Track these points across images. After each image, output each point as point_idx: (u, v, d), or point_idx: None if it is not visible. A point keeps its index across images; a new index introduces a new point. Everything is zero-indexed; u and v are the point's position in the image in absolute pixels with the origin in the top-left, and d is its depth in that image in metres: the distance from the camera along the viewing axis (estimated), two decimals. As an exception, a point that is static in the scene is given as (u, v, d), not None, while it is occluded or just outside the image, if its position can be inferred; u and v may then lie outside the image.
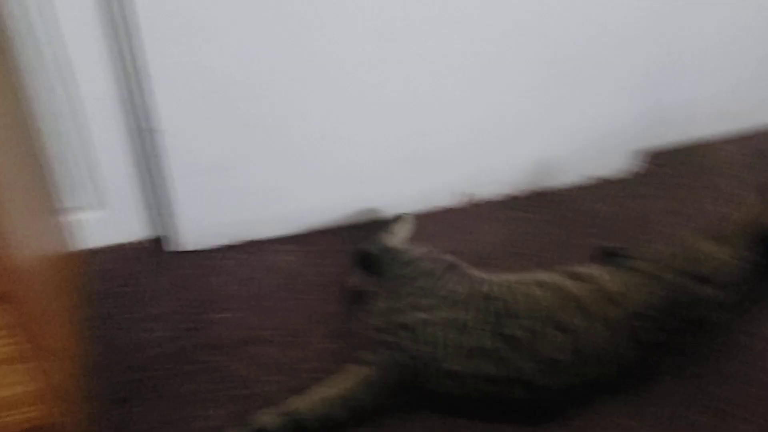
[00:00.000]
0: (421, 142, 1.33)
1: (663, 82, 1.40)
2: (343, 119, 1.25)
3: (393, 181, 1.36)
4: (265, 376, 1.12)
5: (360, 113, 1.25)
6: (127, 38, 1.08)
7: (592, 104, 1.37)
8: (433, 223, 1.40)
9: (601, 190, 1.47)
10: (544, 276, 1.08)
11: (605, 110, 1.39)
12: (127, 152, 1.22)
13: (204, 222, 1.29)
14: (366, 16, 1.13)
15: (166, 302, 1.23)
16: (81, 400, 1.02)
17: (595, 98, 1.36)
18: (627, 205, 1.44)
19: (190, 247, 1.31)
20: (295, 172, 1.29)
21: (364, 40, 1.16)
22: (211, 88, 1.14)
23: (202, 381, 1.11)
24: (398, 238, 1.29)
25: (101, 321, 1.20)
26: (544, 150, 1.41)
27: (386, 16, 1.14)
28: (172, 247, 1.32)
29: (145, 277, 1.28)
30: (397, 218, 1.33)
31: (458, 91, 1.28)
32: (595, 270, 1.09)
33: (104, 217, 1.28)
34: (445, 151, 1.35)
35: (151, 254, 1.32)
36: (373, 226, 1.37)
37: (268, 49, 1.13)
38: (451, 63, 1.24)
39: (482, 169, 1.40)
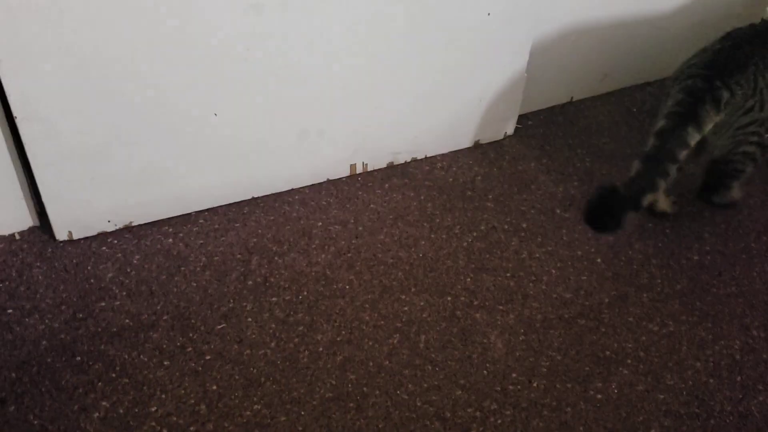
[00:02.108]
0: (308, 118, 1.33)
1: (533, 49, 1.44)
2: (227, 97, 1.23)
3: (281, 157, 1.36)
4: (154, 361, 1.11)
5: (245, 91, 1.24)
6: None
7: (467, 73, 1.40)
8: (326, 195, 1.41)
9: (479, 154, 1.52)
10: None
11: (477, 77, 1.42)
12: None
13: (81, 209, 1.25)
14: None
15: (48, 294, 1.20)
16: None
17: (469, 67, 1.39)
18: (503, 167, 1.49)
19: (68, 237, 1.28)
20: (173, 153, 1.26)
21: (240, 15, 1.14)
22: (73, 68, 1.10)
23: (90, 372, 1.09)
24: None
25: (-23, 319, 1.15)
26: (424, 120, 1.44)
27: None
28: (51, 238, 1.28)
29: (25, 270, 1.23)
30: None
31: (341, 66, 1.28)
32: None
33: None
34: (332, 125, 1.36)
35: (30, 246, 1.27)
36: (255, 204, 1.37)
37: (137, 25, 1.09)
38: (332, 38, 1.23)
39: (368, 141, 1.42)
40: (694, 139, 1.17)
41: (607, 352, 1.18)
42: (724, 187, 1.38)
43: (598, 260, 1.32)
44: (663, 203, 1.37)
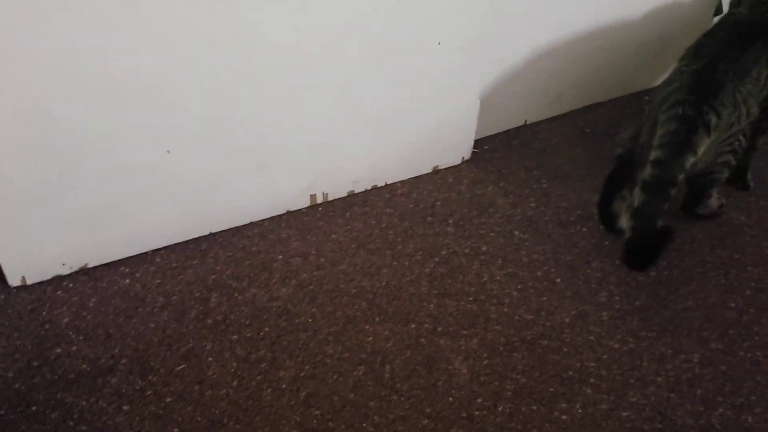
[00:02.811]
0: (264, 151, 1.32)
1: (486, 75, 1.47)
2: (179, 134, 1.22)
3: (238, 190, 1.35)
4: (113, 406, 1.09)
5: (197, 126, 1.23)
6: None
7: (422, 101, 1.41)
8: (286, 227, 1.40)
9: (438, 179, 1.53)
10: None
11: (432, 104, 1.44)
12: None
13: (34, 254, 1.23)
14: (196, 29, 1.11)
15: (1, 343, 1.17)
16: None
17: (424, 95, 1.41)
18: (462, 191, 1.50)
19: (21, 282, 1.25)
20: (126, 193, 1.25)
21: (196, 50, 1.13)
22: (19, 116, 1.08)
23: (47, 422, 1.07)
24: None
25: (-72, 373, 1.12)
26: (382, 148, 1.45)
27: (214, 29, 1.13)
28: (4, 284, 1.25)
29: (-25, 319, 1.21)
30: None
31: (296, 98, 1.28)
32: None
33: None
34: (290, 156, 1.36)
35: (-19, 293, 1.25)
36: (213, 239, 1.36)
37: (83, 70, 1.08)
38: (286, 71, 1.24)
39: (327, 171, 1.42)
40: (690, 163, 1.22)
41: (570, 372, 1.19)
42: (706, 197, 1.41)
43: (558, 280, 1.33)
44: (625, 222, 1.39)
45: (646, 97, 1.74)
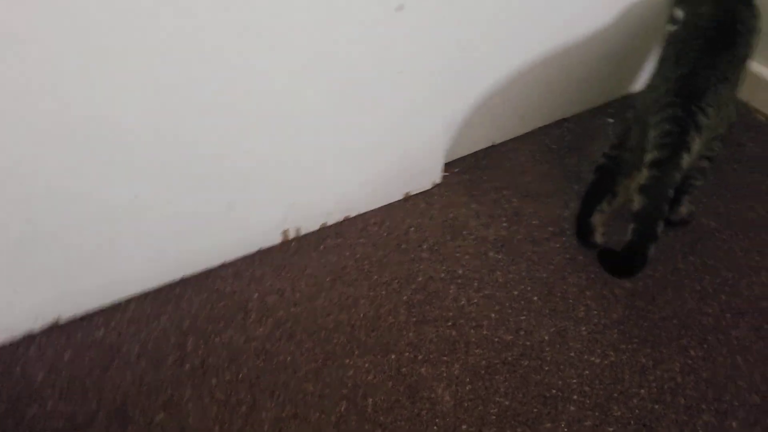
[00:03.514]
0: (232, 190, 1.31)
1: (452, 100, 1.47)
2: (146, 180, 1.21)
3: (209, 232, 1.34)
4: (94, 463, 1.07)
5: (163, 171, 1.22)
6: None
7: (388, 130, 1.42)
8: (259, 265, 1.40)
9: (410, 206, 1.53)
10: None
11: (401, 134, 1.44)
12: None
13: (3, 312, 1.21)
14: (157, 71, 1.11)
15: (-25, 405, 1.15)
16: None
17: (389, 124, 1.41)
18: (434, 216, 1.50)
19: (-6, 341, 1.23)
20: (95, 242, 1.24)
21: (155, 94, 1.13)
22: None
23: (24, 484, 1.04)
24: None
25: None
26: (353, 178, 1.45)
27: (176, 71, 1.12)
28: (-26, 344, 1.23)
29: (-53, 383, 1.18)
30: None
31: (261, 136, 1.27)
32: None
33: None
34: (259, 194, 1.35)
35: (-48, 355, 1.23)
36: (187, 283, 1.35)
37: (41, 123, 1.07)
38: (248, 110, 1.23)
39: (298, 205, 1.42)
40: (686, 162, 1.22)
41: (553, 391, 1.18)
42: (678, 204, 1.42)
43: (535, 298, 1.33)
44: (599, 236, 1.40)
45: (617, 113, 1.75)
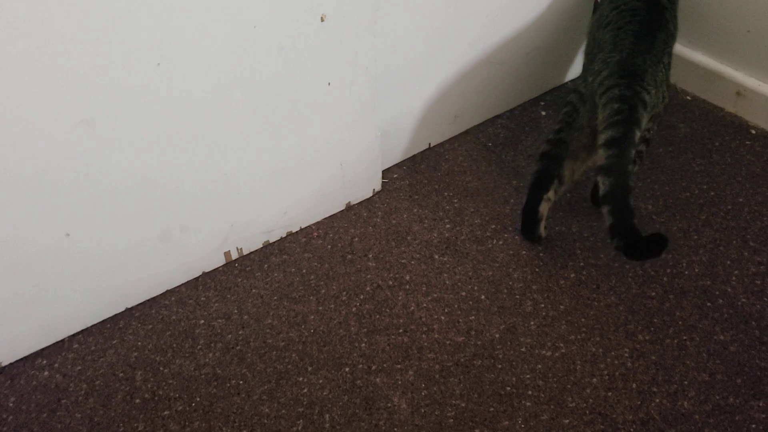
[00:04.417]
0: (166, 218, 1.29)
1: (384, 106, 1.47)
2: (76, 215, 1.18)
3: (148, 261, 1.31)
4: None
5: (93, 205, 1.19)
6: None
7: (322, 141, 1.41)
8: (203, 289, 1.37)
9: (352, 215, 1.52)
10: None
11: (335, 145, 1.43)
12: None
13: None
14: (72, 109, 1.08)
15: None
16: None
17: (322, 136, 1.40)
18: (377, 223, 1.50)
19: (-70, 395, 1.18)
20: (30, 284, 1.20)
21: (76, 129, 1.10)
22: None
23: None
24: None
25: None
26: (291, 193, 1.43)
27: (92, 106, 1.09)
28: None
29: None
30: None
31: (189, 161, 1.25)
32: None
33: None
34: (195, 218, 1.33)
35: None
36: (131, 315, 1.32)
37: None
38: (173, 137, 1.21)
39: (238, 225, 1.40)
40: (638, 138, 1.24)
41: (508, 388, 1.19)
42: None
43: (483, 297, 1.34)
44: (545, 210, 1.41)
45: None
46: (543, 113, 1.76)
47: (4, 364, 1.25)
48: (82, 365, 1.25)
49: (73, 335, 1.30)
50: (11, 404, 1.19)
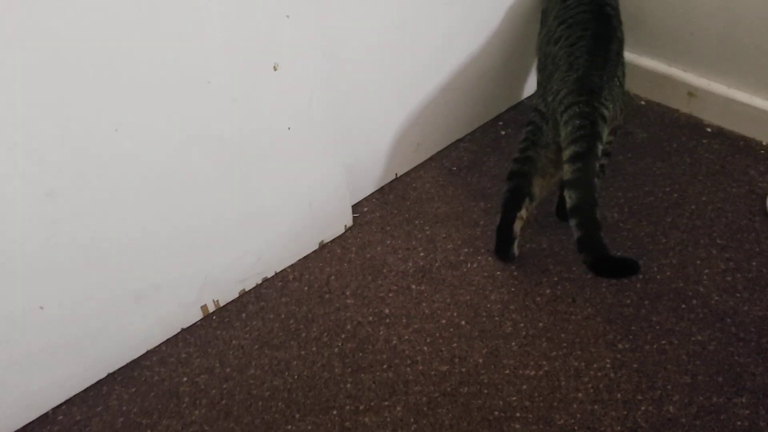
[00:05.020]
0: (137, 279, 1.28)
1: (347, 142, 1.48)
2: (48, 286, 1.17)
3: (124, 323, 1.30)
4: None
5: (63, 275, 1.18)
6: None
7: (287, 185, 1.42)
8: (184, 346, 1.37)
9: (326, 254, 1.53)
10: None
11: (301, 186, 1.44)
12: None
13: None
14: (29, 184, 1.08)
15: None
16: None
17: (287, 179, 1.41)
18: (352, 259, 1.51)
19: None
20: (6, 358, 1.19)
21: (40, 203, 1.10)
22: None
23: None
24: None
25: None
26: (261, 239, 1.44)
27: (53, 176, 1.09)
28: None
29: None
30: None
31: (154, 222, 1.25)
32: None
33: None
34: (167, 276, 1.32)
35: None
36: (113, 380, 1.31)
37: None
38: (134, 202, 1.21)
39: (211, 278, 1.39)
40: (600, 151, 1.26)
41: (496, 412, 1.20)
42: None
43: (463, 323, 1.35)
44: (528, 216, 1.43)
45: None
46: (503, 132, 1.79)
47: (-12, 445, 1.23)
48: (69, 437, 1.24)
49: (57, 407, 1.28)
50: (-1, 485, 1.17)
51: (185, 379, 1.31)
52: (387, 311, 1.39)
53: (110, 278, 1.24)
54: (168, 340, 1.38)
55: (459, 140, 1.78)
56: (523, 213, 1.39)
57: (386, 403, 1.23)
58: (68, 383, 1.29)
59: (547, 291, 1.39)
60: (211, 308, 1.42)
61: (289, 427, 1.21)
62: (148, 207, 1.23)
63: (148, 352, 1.36)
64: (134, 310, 1.30)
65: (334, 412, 1.23)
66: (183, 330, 1.40)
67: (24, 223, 1.09)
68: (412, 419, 1.20)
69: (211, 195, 1.30)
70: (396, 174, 1.69)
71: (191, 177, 1.26)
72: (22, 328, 1.17)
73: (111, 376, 1.33)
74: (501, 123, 1.82)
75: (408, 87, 1.59)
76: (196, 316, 1.41)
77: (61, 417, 1.27)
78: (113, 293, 1.26)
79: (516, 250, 1.44)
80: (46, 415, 1.27)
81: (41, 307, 1.18)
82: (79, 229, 1.16)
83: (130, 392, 1.29)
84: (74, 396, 1.30)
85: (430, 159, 1.73)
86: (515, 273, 1.43)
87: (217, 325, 1.40)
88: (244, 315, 1.42)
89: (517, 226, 1.40)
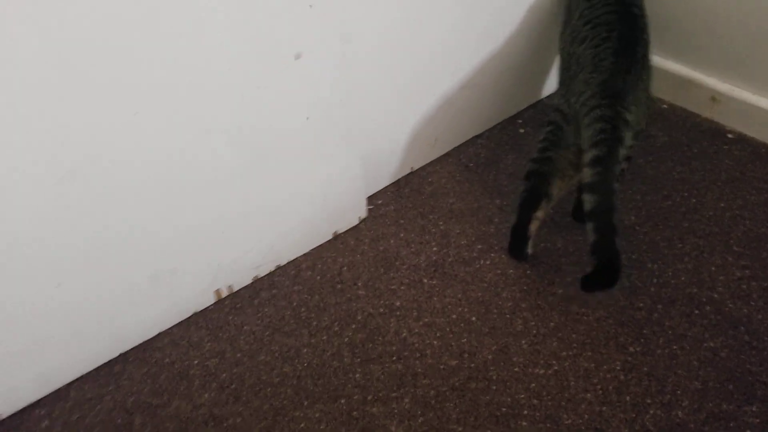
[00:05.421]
0: (153, 262, 1.30)
1: (364, 135, 1.49)
2: (65, 267, 1.19)
3: (139, 305, 1.32)
4: None
5: (81, 255, 1.20)
6: None
7: (305, 174, 1.42)
8: (196, 329, 1.38)
9: (339, 245, 1.53)
10: None
11: (317, 176, 1.45)
12: None
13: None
14: (53, 162, 1.09)
15: None
16: None
17: (304, 168, 1.41)
18: (365, 251, 1.51)
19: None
20: (21, 337, 1.20)
21: (59, 183, 1.11)
22: None
23: None
24: None
25: None
26: (277, 228, 1.44)
27: (72, 156, 1.11)
28: None
29: None
30: None
31: (178, 203, 1.26)
32: None
33: None
34: (183, 260, 1.33)
35: None
36: (125, 359, 1.32)
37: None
38: (151, 183, 1.22)
39: (226, 264, 1.40)
40: (623, 156, 1.26)
41: (504, 409, 1.20)
42: None
43: (473, 319, 1.35)
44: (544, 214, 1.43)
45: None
46: (521, 131, 1.79)
47: (4, 416, 1.25)
48: (80, 413, 1.25)
49: (70, 383, 1.30)
50: (10, 458, 1.19)
51: (196, 362, 1.32)
52: (398, 303, 1.40)
53: (127, 260, 1.25)
54: (180, 323, 1.39)
55: (477, 137, 1.78)
56: (540, 213, 1.39)
57: (394, 394, 1.24)
58: (82, 361, 1.30)
59: (560, 291, 1.39)
60: (225, 293, 1.43)
61: (298, 413, 1.22)
62: (166, 192, 1.24)
63: (160, 333, 1.38)
64: (149, 292, 1.32)
65: (342, 401, 1.23)
66: (195, 314, 1.41)
67: (44, 203, 1.11)
68: (419, 411, 1.21)
69: (229, 182, 1.31)
70: (412, 168, 1.69)
71: (209, 164, 1.26)
72: (39, 304, 1.19)
73: (123, 356, 1.34)
74: (520, 121, 1.81)
75: (428, 81, 1.59)
76: (209, 300, 1.42)
77: (73, 393, 1.29)
78: (130, 275, 1.27)
79: (530, 250, 1.44)
80: (59, 391, 1.29)
81: (58, 284, 1.20)
82: (98, 212, 1.17)
83: (141, 372, 1.31)
84: (87, 373, 1.31)
85: (447, 154, 1.73)
86: (528, 272, 1.43)
87: (230, 310, 1.41)
88: (256, 301, 1.43)
89: (533, 226, 1.40)
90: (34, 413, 1.26)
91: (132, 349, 1.35)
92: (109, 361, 1.33)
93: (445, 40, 1.55)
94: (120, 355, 1.34)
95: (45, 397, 1.28)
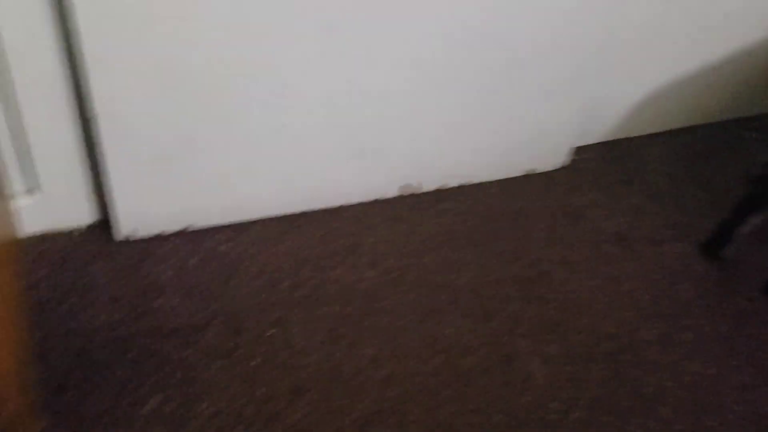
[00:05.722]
0: (363, 137, 1.36)
1: (591, 81, 1.46)
2: (292, 111, 1.28)
3: (336, 173, 1.40)
4: (205, 361, 1.15)
5: (307, 108, 1.28)
6: (62, 20, 1.08)
7: (524, 102, 1.43)
8: (375, 213, 1.44)
9: (531, 183, 1.54)
10: None
11: (536, 108, 1.45)
12: (66, 138, 1.23)
13: (144, 210, 1.30)
14: (311, 14, 1.16)
15: (106, 289, 1.25)
16: (21, 388, 1.04)
17: (526, 96, 1.42)
18: (555, 198, 1.51)
19: (129, 235, 1.33)
20: (238, 163, 1.31)
21: (309, 36, 1.18)
22: (156, 75, 1.15)
23: (143, 368, 1.13)
24: None
25: (40, 308, 1.20)
26: (478, 145, 1.47)
27: (332, 15, 1.17)
28: (112, 235, 1.33)
29: (84, 265, 1.29)
30: None
31: (399, 89, 1.32)
32: None
33: (42, 202, 1.28)
34: (388, 144, 1.39)
35: (91, 241, 1.33)
36: (307, 217, 1.41)
37: (218, 39, 1.15)
38: (392, 63, 1.27)
39: (420, 163, 1.45)
40: None
41: (650, 389, 1.18)
42: None
43: (646, 297, 1.32)
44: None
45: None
46: (753, 135, 1.69)
47: (191, 229, 1.37)
48: (257, 249, 1.35)
49: (255, 220, 1.41)
50: (191, 264, 1.32)
51: (371, 239, 1.38)
52: (572, 258, 1.39)
53: (345, 123, 1.33)
54: (363, 203, 1.46)
55: (700, 126, 1.70)
56: (756, 220, 1.32)
57: (545, 337, 1.25)
58: (273, 204, 1.40)
59: (742, 302, 1.33)
60: (410, 191, 1.48)
61: (448, 318, 1.26)
62: (400, 62, 1.29)
63: (343, 206, 1.45)
64: (348, 164, 1.39)
65: (493, 324, 1.26)
66: (378, 200, 1.47)
67: (302, 49, 1.19)
68: (563, 361, 1.21)
69: (455, 90, 1.35)
70: (627, 135, 1.65)
71: (449, 65, 1.30)
72: (261, 136, 1.29)
73: (306, 214, 1.43)
74: (754, 125, 1.71)
75: (684, 51, 1.53)
76: (394, 192, 1.48)
77: (257, 229, 1.39)
78: (340, 139, 1.35)
79: (729, 253, 1.38)
80: (244, 223, 1.40)
81: (284, 125, 1.28)
82: (341, 72, 1.25)
83: (320, 233, 1.39)
84: (272, 217, 1.41)
85: (664, 132, 1.68)
86: (715, 273, 1.38)
87: (410, 207, 1.46)
88: (436, 208, 1.47)
89: (743, 229, 1.34)
90: (218, 235, 1.38)
91: (317, 210, 1.43)
92: (294, 214, 1.42)
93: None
94: (305, 212, 1.43)
95: (232, 224, 1.39)
